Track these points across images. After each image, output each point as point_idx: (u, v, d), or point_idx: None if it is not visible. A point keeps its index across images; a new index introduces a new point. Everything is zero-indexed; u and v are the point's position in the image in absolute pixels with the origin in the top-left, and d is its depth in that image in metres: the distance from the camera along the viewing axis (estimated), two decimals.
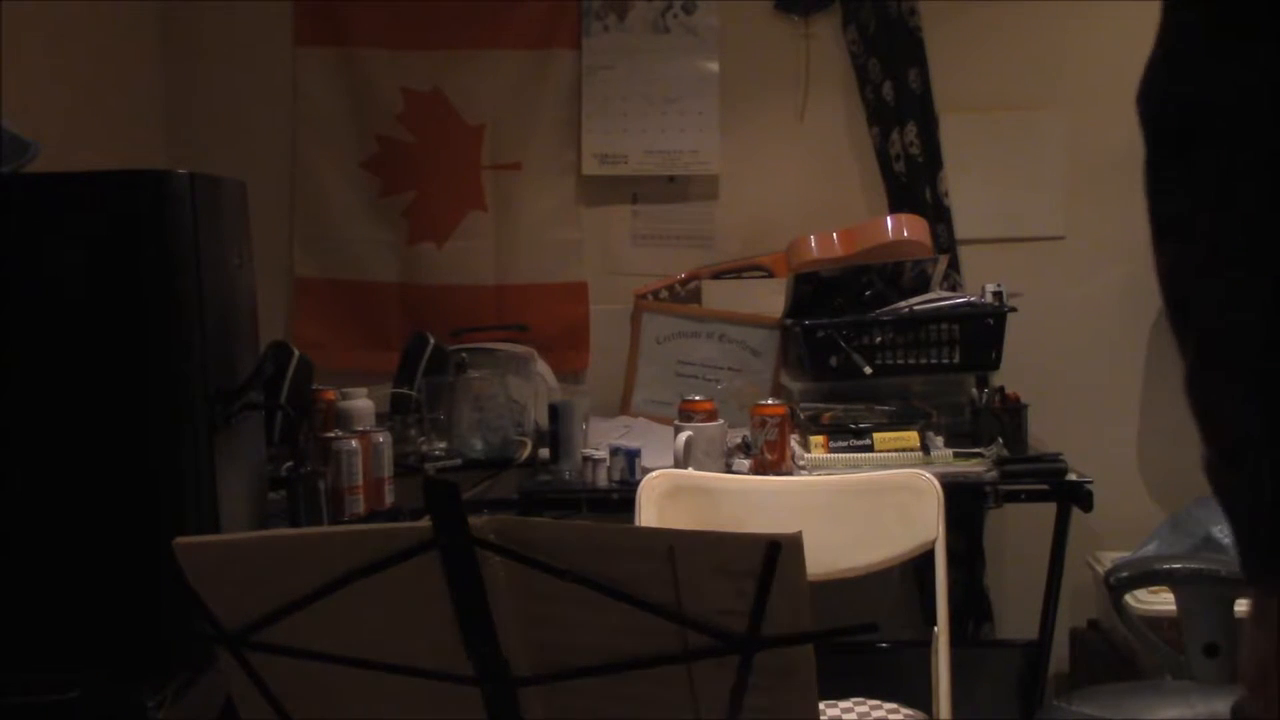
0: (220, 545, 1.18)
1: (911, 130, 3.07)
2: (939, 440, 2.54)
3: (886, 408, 2.64)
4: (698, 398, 2.56)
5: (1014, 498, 2.55)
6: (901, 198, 3.08)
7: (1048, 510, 2.58)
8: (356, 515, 2.19)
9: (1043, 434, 2.72)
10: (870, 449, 2.51)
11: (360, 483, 2.21)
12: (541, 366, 3.00)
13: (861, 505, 2.01)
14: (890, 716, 2.01)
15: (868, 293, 2.80)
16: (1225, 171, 0.80)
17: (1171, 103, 0.84)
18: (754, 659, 1.03)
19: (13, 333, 1.61)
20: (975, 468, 2.49)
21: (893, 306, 2.74)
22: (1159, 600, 2.49)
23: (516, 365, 2.93)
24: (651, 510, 2.00)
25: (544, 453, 2.67)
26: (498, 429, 2.77)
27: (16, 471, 1.62)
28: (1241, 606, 2.11)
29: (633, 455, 2.51)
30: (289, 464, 2.14)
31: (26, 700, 1.56)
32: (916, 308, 2.72)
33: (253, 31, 3.20)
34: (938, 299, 2.76)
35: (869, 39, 3.10)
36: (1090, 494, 2.45)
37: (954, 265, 3.06)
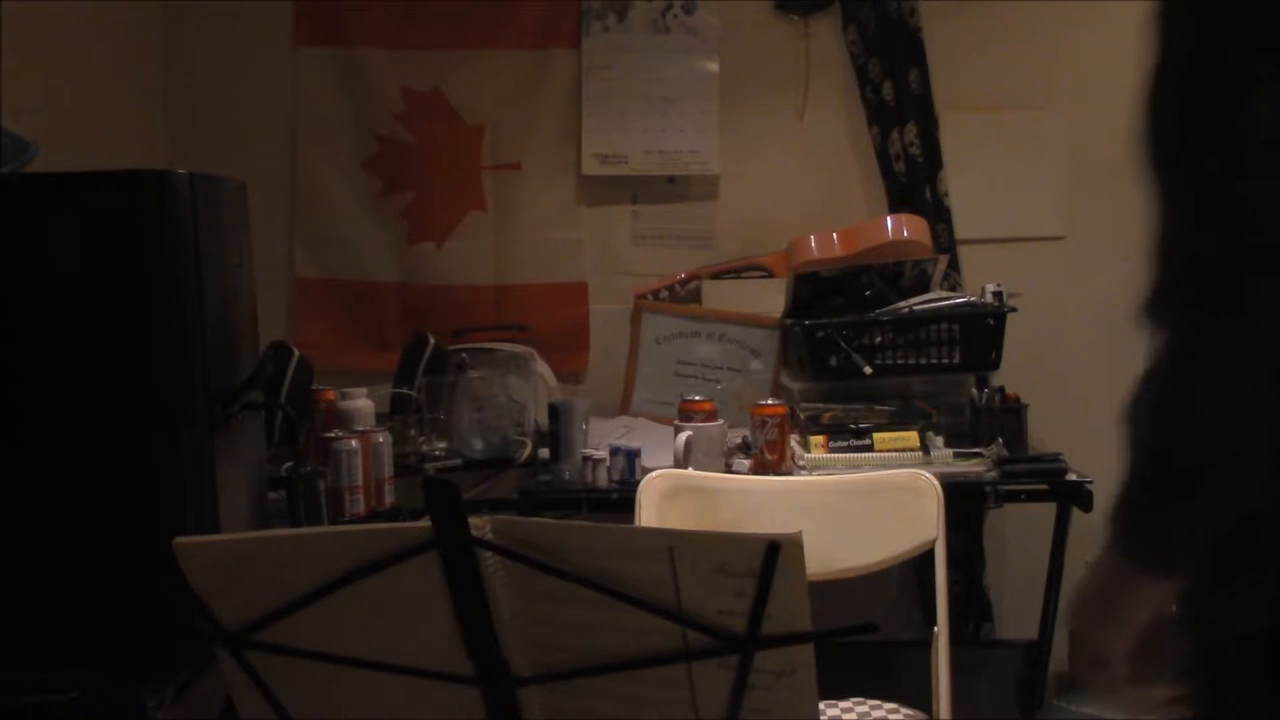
0: (220, 545, 1.18)
1: (911, 130, 3.07)
2: (939, 440, 2.54)
3: (886, 408, 2.64)
4: (698, 398, 2.56)
5: (1014, 498, 2.55)
6: (901, 198, 3.08)
7: (1048, 510, 2.58)
8: (356, 515, 2.19)
9: (1043, 434, 2.72)
10: (870, 449, 2.51)
11: (360, 483, 2.21)
12: (541, 366, 3.00)
13: (861, 505, 2.01)
14: (890, 716, 2.01)
15: (868, 293, 2.80)
16: None
17: None
18: (754, 659, 1.03)
19: (12, 333, 1.61)
20: (975, 468, 2.48)
21: (893, 306, 2.74)
22: None
23: (516, 365, 2.92)
24: (651, 510, 2.00)
25: (544, 453, 2.67)
26: (498, 429, 2.77)
27: (16, 472, 1.62)
28: None
29: (633, 455, 2.51)
30: (289, 464, 2.14)
31: (26, 700, 1.56)
32: (916, 308, 2.72)
33: (253, 31, 3.20)
34: (938, 299, 2.76)
35: (869, 39, 3.10)
36: (1090, 494, 2.45)
37: (954, 265, 3.06)
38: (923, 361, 2.69)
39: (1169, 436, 0.91)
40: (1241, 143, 0.80)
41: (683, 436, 2.44)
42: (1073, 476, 2.49)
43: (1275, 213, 0.79)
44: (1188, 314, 0.88)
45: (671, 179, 3.20)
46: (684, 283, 3.17)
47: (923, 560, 2.00)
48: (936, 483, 1.96)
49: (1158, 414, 0.92)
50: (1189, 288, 0.88)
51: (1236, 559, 0.91)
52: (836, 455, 2.51)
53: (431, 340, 2.87)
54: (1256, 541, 0.89)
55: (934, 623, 1.95)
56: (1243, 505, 0.89)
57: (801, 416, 2.62)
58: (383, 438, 2.30)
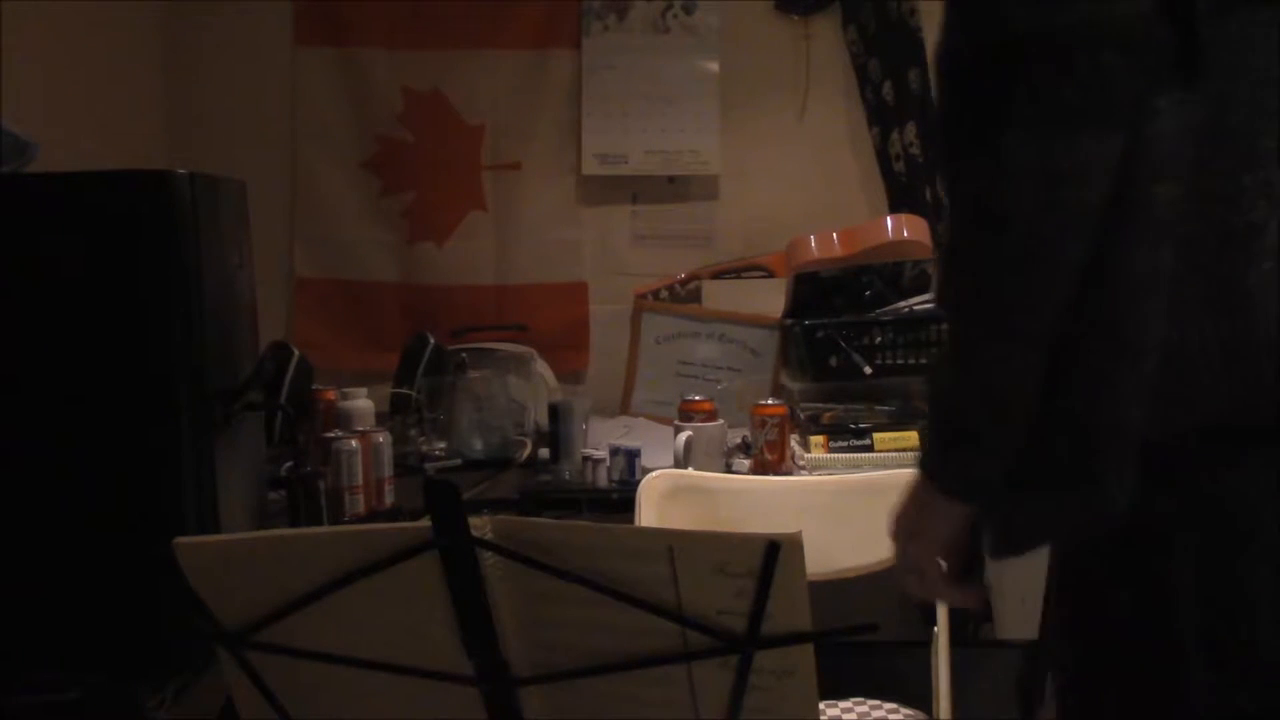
0: (220, 545, 1.18)
1: (911, 130, 3.07)
2: None
3: (886, 408, 2.63)
4: (698, 398, 2.56)
5: None
6: (901, 198, 3.08)
7: None
8: (356, 515, 2.19)
9: None
10: (870, 449, 2.51)
11: (360, 483, 2.21)
12: (541, 366, 2.99)
13: (861, 505, 2.01)
14: (890, 716, 2.01)
15: (868, 293, 2.79)
16: None
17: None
18: (754, 659, 1.03)
19: (12, 333, 1.62)
20: None
21: (893, 306, 2.74)
22: None
23: (516, 365, 2.92)
24: (651, 510, 2.00)
25: (544, 453, 2.67)
26: (498, 429, 2.77)
27: (16, 472, 1.62)
28: None
29: (633, 455, 2.50)
30: (289, 464, 2.14)
31: (26, 700, 1.56)
32: (916, 308, 2.72)
33: (253, 31, 3.20)
34: None
35: (869, 39, 3.10)
36: None
37: None
38: (923, 361, 2.69)
39: (940, 402, 1.12)
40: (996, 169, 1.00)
41: (683, 436, 2.44)
42: None
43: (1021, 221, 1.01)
44: (948, 302, 1.11)
45: (671, 179, 3.20)
46: (684, 283, 3.17)
47: None
48: None
49: (934, 380, 1.13)
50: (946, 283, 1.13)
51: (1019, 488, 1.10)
52: (836, 455, 2.51)
53: (431, 340, 2.87)
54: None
55: (934, 623, 1.95)
56: (1009, 455, 1.07)
57: (801, 416, 2.62)
58: (383, 438, 2.30)
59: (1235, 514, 1.03)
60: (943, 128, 1.08)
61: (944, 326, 2.77)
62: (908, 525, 1.19)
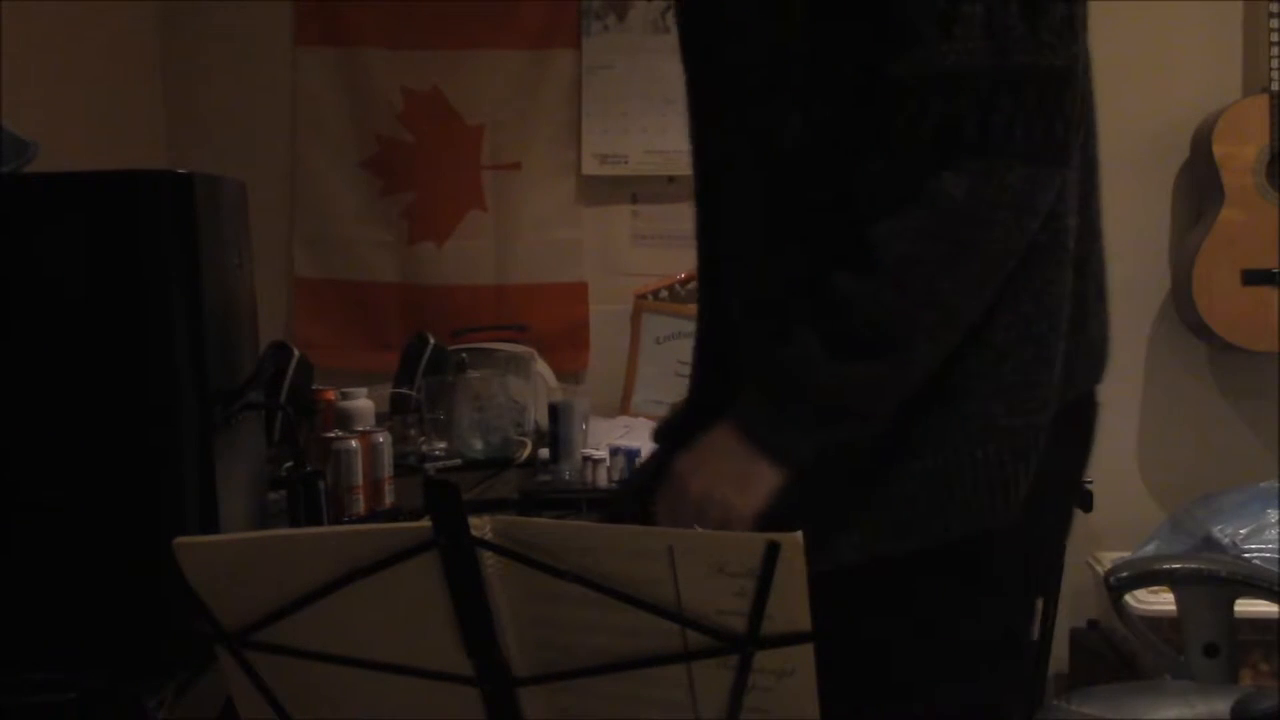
0: (220, 545, 1.18)
1: None
2: None
3: None
4: None
5: None
6: None
7: None
8: (356, 515, 2.19)
9: None
10: None
11: (360, 483, 2.21)
12: (541, 366, 3.00)
13: None
14: None
15: None
16: None
17: None
18: (754, 659, 1.03)
19: (11, 334, 1.62)
20: None
21: None
22: (1159, 600, 2.49)
23: (516, 365, 2.92)
24: None
25: (544, 453, 2.67)
26: (498, 429, 2.77)
27: (16, 472, 1.62)
28: (1241, 606, 2.11)
29: (633, 455, 2.50)
30: (289, 464, 2.14)
31: (26, 700, 1.56)
32: None
33: (253, 31, 3.20)
34: None
35: None
36: (1090, 494, 2.45)
37: None
38: None
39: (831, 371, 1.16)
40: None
41: None
42: None
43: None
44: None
45: (671, 179, 3.20)
46: (684, 283, 3.17)
47: None
48: None
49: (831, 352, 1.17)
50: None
51: None
52: None
53: (431, 340, 2.87)
54: None
55: None
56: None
57: None
58: (383, 438, 2.30)
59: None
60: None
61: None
62: (723, 495, 1.16)
